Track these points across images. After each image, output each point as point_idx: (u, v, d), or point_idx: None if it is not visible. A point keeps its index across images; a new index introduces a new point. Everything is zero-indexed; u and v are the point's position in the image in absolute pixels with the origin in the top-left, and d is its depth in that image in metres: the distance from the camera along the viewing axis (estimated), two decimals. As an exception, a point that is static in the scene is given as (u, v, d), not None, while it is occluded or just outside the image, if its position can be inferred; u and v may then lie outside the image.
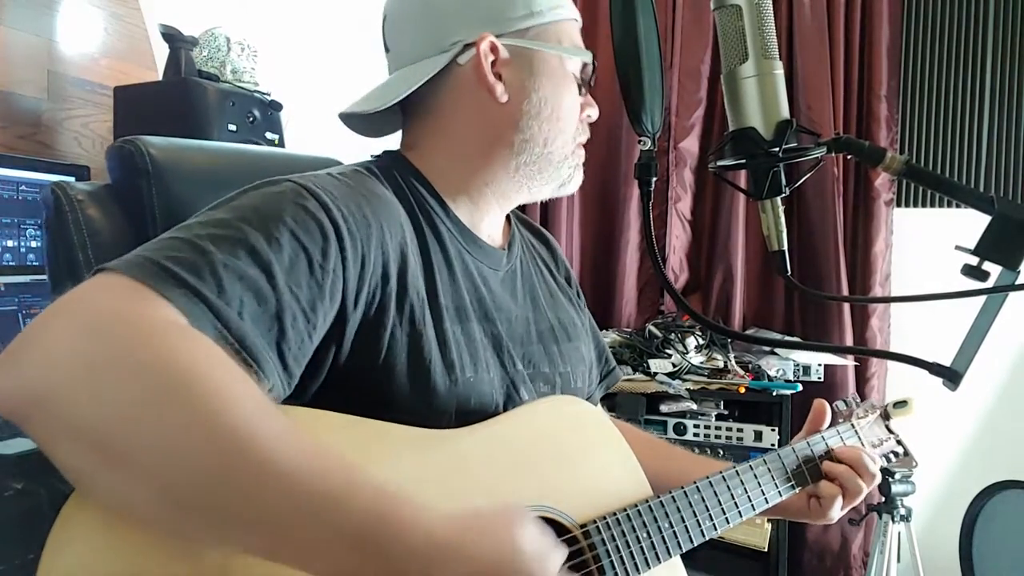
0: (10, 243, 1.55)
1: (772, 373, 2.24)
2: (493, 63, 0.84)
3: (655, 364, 2.27)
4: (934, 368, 0.70)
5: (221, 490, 0.51)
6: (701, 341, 2.37)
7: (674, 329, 2.38)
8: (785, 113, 0.70)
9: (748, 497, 0.92)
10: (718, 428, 2.20)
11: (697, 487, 0.88)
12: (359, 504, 0.54)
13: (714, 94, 2.59)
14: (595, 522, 0.78)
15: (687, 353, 2.30)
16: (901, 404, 1.15)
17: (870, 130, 2.46)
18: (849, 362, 2.42)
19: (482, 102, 0.85)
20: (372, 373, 0.73)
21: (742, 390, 2.20)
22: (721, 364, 2.31)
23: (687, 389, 2.21)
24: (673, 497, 0.85)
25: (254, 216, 0.67)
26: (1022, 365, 2.41)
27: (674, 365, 2.27)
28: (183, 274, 0.59)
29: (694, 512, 0.86)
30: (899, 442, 1.14)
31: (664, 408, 2.19)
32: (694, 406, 2.19)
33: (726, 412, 2.23)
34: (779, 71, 0.70)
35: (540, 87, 0.86)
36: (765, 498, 0.94)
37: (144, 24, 2.00)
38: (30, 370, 0.54)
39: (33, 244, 1.59)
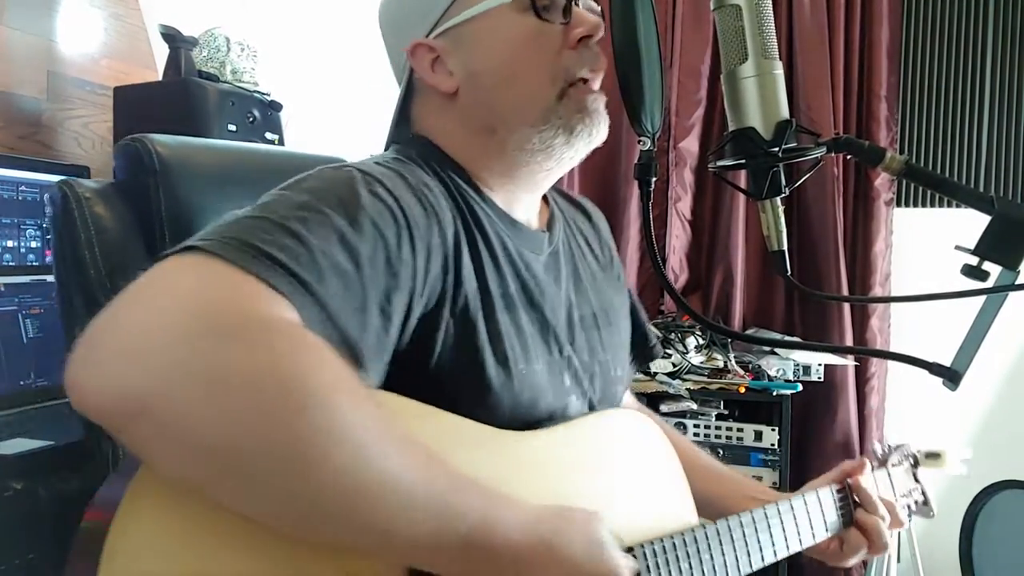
0: (10, 243, 1.55)
1: (772, 373, 2.24)
2: (435, 62, 0.82)
3: (655, 364, 2.27)
4: (934, 368, 0.70)
5: (343, 501, 0.51)
6: (701, 341, 2.37)
7: (674, 329, 2.38)
8: (785, 113, 0.69)
9: (785, 537, 0.90)
10: (718, 428, 2.20)
11: (741, 522, 0.86)
12: (470, 507, 0.57)
13: (714, 94, 2.59)
14: (642, 546, 0.76)
15: (687, 353, 2.30)
16: (934, 456, 1.13)
17: (870, 130, 2.45)
18: (849, 362, 2.42)
19: (442, 103, 0.83)
20: (428, 366, 0.71)
21: (742, 390, 2.20)
22: (721, 364, 2.31)
23: (687, 389, 2.21)
24: (718, 530, 0.83)
25: (334, 200, 0.63)
26: (1022, 365, 2.41)
27: (674, 365, 2.26)
28: (285, 260, 0.56)
29: (734, 548, 0.84)
30: (923, 492, 1.12)
31: (664, 408, 2.19)
32: (694, 406, 2.19)
33: (726, 412, 2.23)
34: (779, 71, 0.70)
35: (481, 57, 0.80)
36: (800, 539, 0.92)
37: (144, 24, 2.00)
38: (127, 368, 0.49)
39: (33, 244, 1.59)
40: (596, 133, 0.81)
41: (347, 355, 0.59)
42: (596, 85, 0.82)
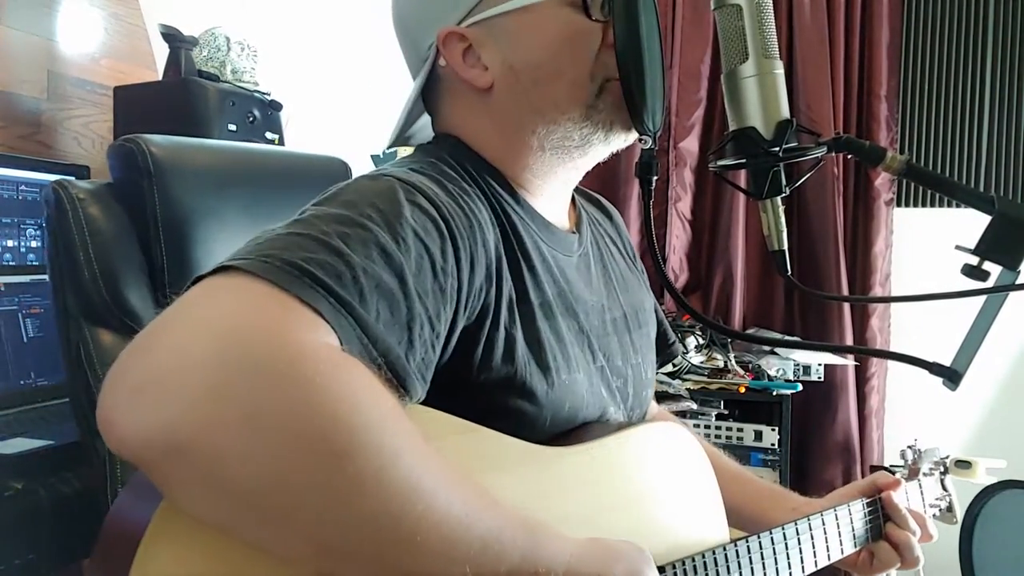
0: (10, 243, 1.55)
1: (772, 373, 2.24)
2: (467, 52, 0.78)
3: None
4: (934, 368, 0.70)
5: (383, 546, 0.49)
6: (701, 341, 2.37)
7: (674, 329, 2.38)
8: (785, 113, 0.69)
9: (814, 552, 0.90)
10: (718, 428, 2.20)
11: (772, 538, 0.85)
12: (514, 546, 0.54)
13: (714, 94, 2.59)
14: (673, 565, 0.76)
15: (687, 353, 2.30)
16: (965, 464, 1.11)
17: (870, 130, 2.45)
18: (849, 362, 2.42)
19: (474, 96, 0.79)
20: (468, 379, 0.69)
21: (742, 390, 2.20)
22: (721, 364, 2.31)
23: (687, 389, 2.21)
24: (748, 547, 0.83)
25: (375, 213, 0.60)
26: (1022, 365, 2.41)
27: (674, 365, 2.26)
28: (327, 280, 0.53)
29: (764, 565, 0.84)
30: (950, 499, 1.11)
31: (664, 408, 2.19)
32: (694, 406, 2.18)
33: (726, 412, 2.23)
34: (779, 71, 0.70)
35: (523, 51, 0.77)
36: (829, 554, 0.92)
37: (144, 24, 2.00)
38: (168, 409, 0.45)
39: (33, 244, 1.59)
40: (632, 130, 0.79)
41: (390, 376, 0.57)
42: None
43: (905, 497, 1.00)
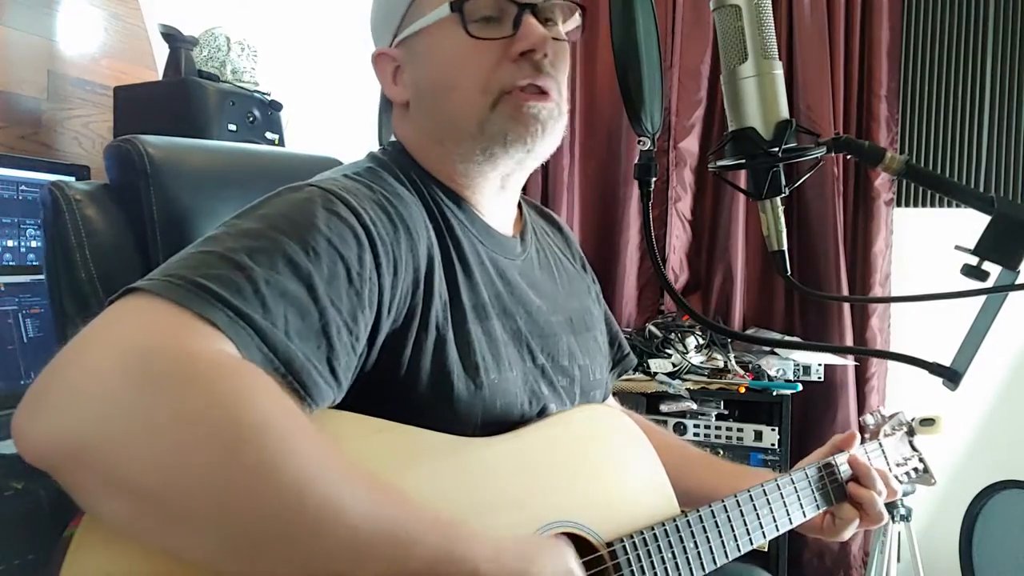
0: (10, 243, 1.55)
1: (772, 373, 2.24)
2: (396, 71, 0.84)
3: (655, 364, 2.27)
4: (934, 368, 0.70)
5: (285, 541, 0.50)
6: (701, 341, 2.37)
7: (674, 329, 2.38)
8: (785, 113, 0.69)
9: (773, 517, 0.91)
10: (718, 428, 2.20)
11: (724, 506, 0.86)
12: (425, 543, 0.54)
13: (714, 94, 2.59)
14: (622, 540, 0.77)
15: (687, 353, 2.30)
16: (928, 422, 1.14)
17: (870, 130, 2.45)
18: (849, 362, 2.41)
19: (401, 111, 0.86)
20: (396, 380, 0.71)
21: (742, 390, 2.20)
22: (721, 364, 2.31)
23: (687, 389, 2.21)
24: (700, 516, 0.83)
25: (287, 225, 0.63)
26: (1022, 365, 2.41)
27: (674, 365, 2.26)
28: (225, 294, 0.55)
29: (719, 532, 0.84)
30: (921, 459, 1.13)
31: (664, 408, 2.19)
32: (694, 406, 2.18)
33: (726, 412, 2.23)
34: (778, 71, 0.70)
35: (425, 70, 0.82)
36: (789, 518, 0.93)
37: (144, 24, 2.00)
38: (65, 417, 0.48)
39: (33, 244, 1.59)
40: (531, 143, 0.79)
41: (296, 382, 0.58)
42: (551, 95, 0.79)
43: (865, 454, 1.03)
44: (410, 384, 0.71)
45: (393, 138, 0.89)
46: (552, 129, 0.81)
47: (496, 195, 0.87)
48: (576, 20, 0.85)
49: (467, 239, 0.81)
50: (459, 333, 0.75)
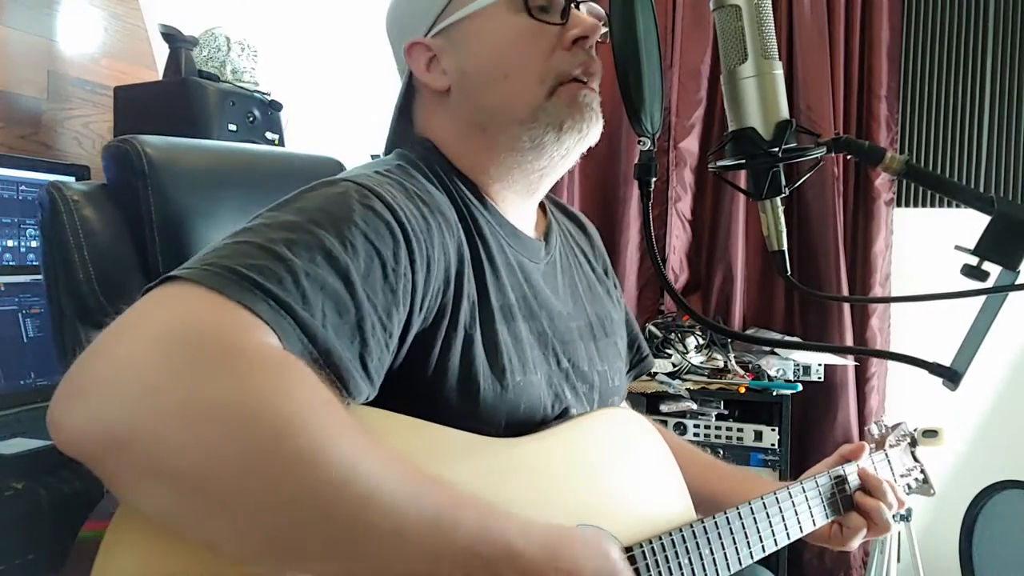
0: (10, 243, 1.55)
1: (772, 373, 2.24)
2: (431, 61, 0.83)
3: (655, 364, 2.27)
4: (934, 368, 0.70)
5: (328, 532, 0.49)
6: (701, 341, 2.37)
7: (674, 329, 2.38)
8: (785, 113, 0.69)
9: (785, 525, 0.91)
10: (718, 428, 2.20)
11: (739, 513, 0.86)
12: (465, 519, 0.54)
13: (714, 94, 2.59)
14: (640, 545, 0.76)
15: (687, 353, 2.30)
16: (931, 434, 1.14)
17: (870, 130, 2.45)
18: (849, 362, 2.41)
19: (436, 100, 0.84)
20: (423, 378, 0.71)
21: (742, 390, 2.20)
22: (721, 364, 2.31)
23: (687, 389, 2.21)
24: (716, 523, 0.84)
25: (324, 218, 0.62)
26: (1022, 365, 2.41)
27: (674, 365, 2.26)
28: (267, 284, 0.55)
29: (734, 539, 0.84)
30: (923, 470, 1.14)
31: (664, 408, 2.19)
32: (694, 406, 2.18)
33: (726, 412, 2.23)
34: (778, 71, 0.70)
35: (473, 55, 0.81)
36: (800, 527, 0.93)
37: (144, 24, 2.00)
38: (105, 404, 0.48)
39: (33, 244, 1.59)
40: (587, 129, 0.81)
41: (334, 375, 0.58)
42: (594, 84, 0.82)
43: (872, 465, 1.03)
44: (437, 383, 0.71)
45: (416, 134, 0.88)
46: (600, 116, 0.83)
47: (523, 196, 0.87)
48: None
49: (495, 239, 0.80)
50: (487, 334, 0.75)
